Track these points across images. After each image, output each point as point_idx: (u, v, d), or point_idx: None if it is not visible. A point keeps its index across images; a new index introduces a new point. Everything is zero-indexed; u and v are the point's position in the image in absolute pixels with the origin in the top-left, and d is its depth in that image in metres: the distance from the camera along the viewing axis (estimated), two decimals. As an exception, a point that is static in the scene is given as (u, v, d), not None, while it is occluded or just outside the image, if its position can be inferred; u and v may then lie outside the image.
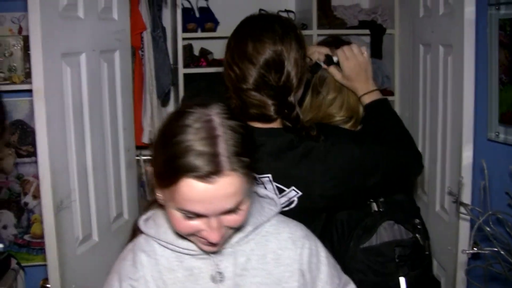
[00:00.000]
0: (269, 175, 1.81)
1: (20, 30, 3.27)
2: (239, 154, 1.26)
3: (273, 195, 1.59)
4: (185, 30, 3.48)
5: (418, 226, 2.06)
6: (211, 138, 1.25)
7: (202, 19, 3.60)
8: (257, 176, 1.72)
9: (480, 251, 2.23)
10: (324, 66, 2.14)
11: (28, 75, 3.02)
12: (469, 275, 2.31)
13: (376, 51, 3.60)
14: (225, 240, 1.40)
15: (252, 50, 1.78)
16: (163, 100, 3.56)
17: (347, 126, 2.16)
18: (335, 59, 2.11)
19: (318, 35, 3.44)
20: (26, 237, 3.40)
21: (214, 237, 1.31)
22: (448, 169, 2.63)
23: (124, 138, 2.85)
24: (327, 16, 3.62)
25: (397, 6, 3.48)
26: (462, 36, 2.37)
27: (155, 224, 1.48)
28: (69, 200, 2.39)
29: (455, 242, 2.48)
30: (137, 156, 3.26)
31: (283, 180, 1.81)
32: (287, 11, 3.76)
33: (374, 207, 2.05)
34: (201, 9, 3.68)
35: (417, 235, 2.05)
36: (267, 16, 1.93)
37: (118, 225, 2.80)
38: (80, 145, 2.46)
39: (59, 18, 2.29)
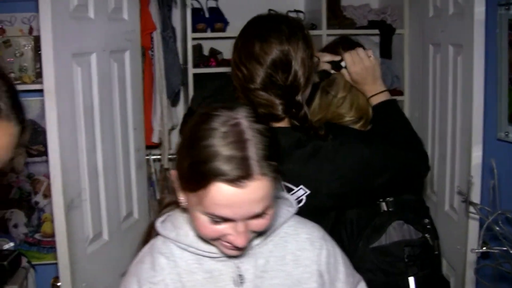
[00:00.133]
0: (278, 174, 1.81)
1: (30, 30, 3.28)
2: (268, 158, 1.25)
3: (288, 195, 1.58)
4: (194, 30, 3.48)
5: (428, 226, 2.06)
6: (240, 142, 1.23)
7: (212, 19, 3.61)
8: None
9: (489, 250, 2.22)
10: (332, 71, 2.15)
11: (38, 75, 3.03)
12: (478, 274, 2.30)
13: (385, 51, 3.59)
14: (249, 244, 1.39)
15: (259, 50, 1.80)
16: (173, 100, 3.57)
17: (357, 126, 2.16)
18: (343, 64, 2.12)
19: (328, 35, 3.44)
20: (37, 235, 3.41)
21: (240, 241, 1.30)
22: (458, 168, 2.63)
23: (134, 138, 2.86)
24: (336, 16, 3.62)
25: (406, 6, 3.47)
26: (472, 36, 2.36)
27: (173, 226, 1.46)
28: (80, 199, 2.41)
29: (464, 242, 2.48)
30: (147, 156, 3.27)
31: (292, 179, 1.81)
32: (296, 11, 3.76)
33: (384, 206, 2.05)
34: (210, 9, 3.68)
35: (426, 235, 2.05)
36: (274, 16, 1.94)
37: (128, 225, 2.81)
38: (90, 145, 2.48)
39: (70, 18, 2.31)
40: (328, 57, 2.15)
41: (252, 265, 1.43)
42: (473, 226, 2.44)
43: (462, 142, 2.56)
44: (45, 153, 2.86)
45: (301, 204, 1.82)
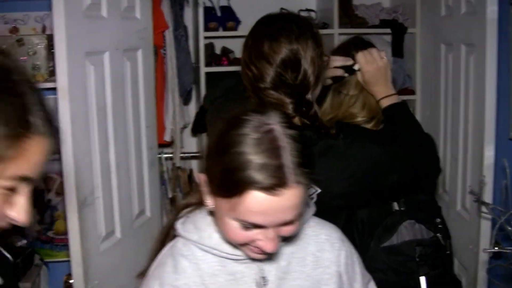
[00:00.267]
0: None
1: (43, 29, 3.31)
2: (302, 166, 1.23)
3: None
4: (206, 29, 3.48)
5: (439, 226, 2.05)
6: (275, 149, 1.21)
7: (224, 18, 3.61)
8: None
9: (501, 250, 2.22)
10: (345, 75, 2.14)
11: (51, 74, 3.05)
12: (490, 274, 2.30)
13: (397, 50, 3.58)
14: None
15: (268, 49, 1.80)
16: (185, 98, 3.58)
17: (369, 126, 2.15)
18: (355, 67, 2.11)
19: (339, 34, 3.43)
20: (50, 233, 3.44)
21: (270, 247, 1.29)
22: (470, 168, 2.63)
23: (146, 136, 2.87)
24: (348, 15, 3.62)
25: (418, 5, 3.46)
26: (484, 35, 2.36)
27: (196, 228, 1.44)
28: (93, 197, 2.42)
29: (476, 241, 2.47)
30: (159, 154, 3.28)
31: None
32: (308, 10, 3.75)
33: (395, 206, 2.05)
34: (222, 8, 3.69)
35: (438, 234, 2.04)
36: (283, 15, 1.94)
37: (140, 223, 2.83)
38: (103, 143, 2.49)
39: (83, 17, 2.32)
40: (340, 62, 2.13)
41: (275, 267, 1.43)
42: (485, 226, 2.43)
43: (474, 141, 2.55)
44: (58, 151, 2.87)
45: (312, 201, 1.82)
